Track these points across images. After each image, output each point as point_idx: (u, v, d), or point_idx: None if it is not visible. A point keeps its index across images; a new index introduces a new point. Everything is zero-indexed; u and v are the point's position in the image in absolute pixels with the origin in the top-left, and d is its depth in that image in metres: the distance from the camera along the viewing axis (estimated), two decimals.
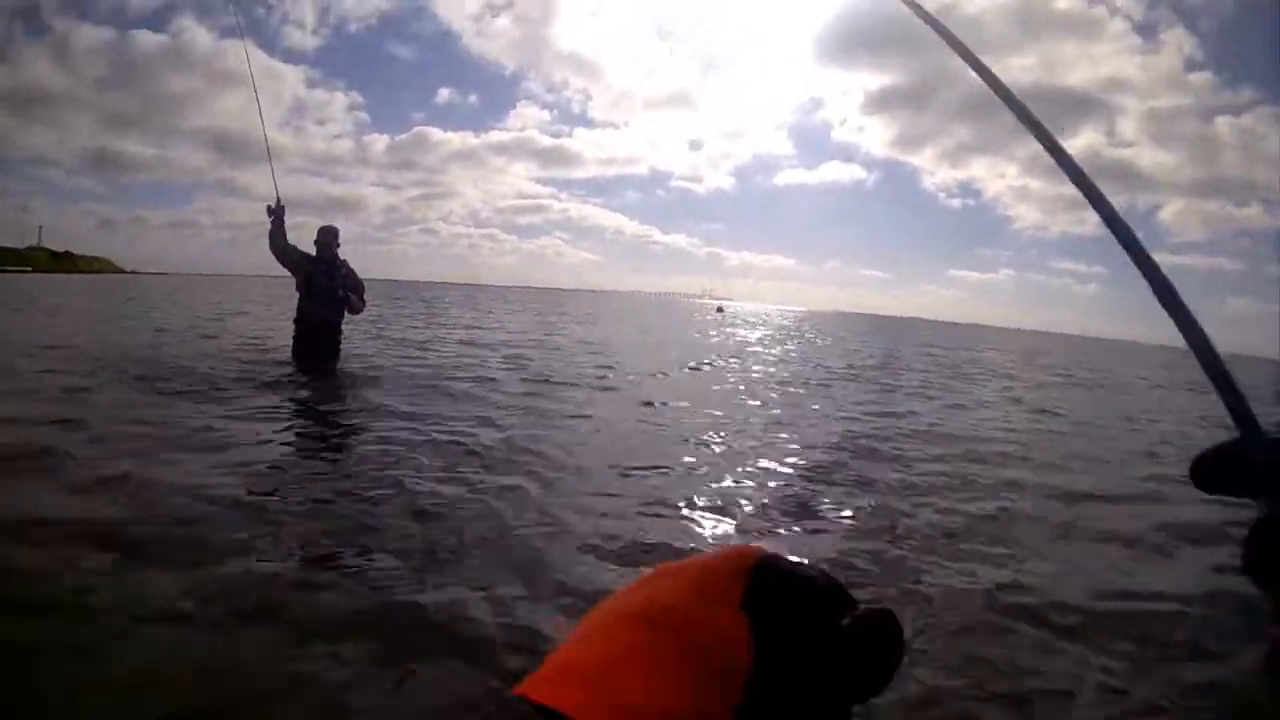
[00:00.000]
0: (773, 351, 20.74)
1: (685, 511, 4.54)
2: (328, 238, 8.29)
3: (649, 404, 8.50)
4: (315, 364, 8.41)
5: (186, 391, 6.92)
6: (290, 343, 8.75)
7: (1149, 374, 26.46)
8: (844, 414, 9.00)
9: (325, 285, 8.19)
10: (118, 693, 2.19)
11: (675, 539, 4.04)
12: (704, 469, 5.63)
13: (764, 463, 6.00)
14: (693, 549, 3.88)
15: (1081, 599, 3.51)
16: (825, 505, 4.88)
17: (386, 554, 3.46)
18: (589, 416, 7.50)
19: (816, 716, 0.50)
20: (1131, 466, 7.16)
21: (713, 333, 29.81)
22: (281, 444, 5.41)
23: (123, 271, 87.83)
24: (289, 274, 8.25)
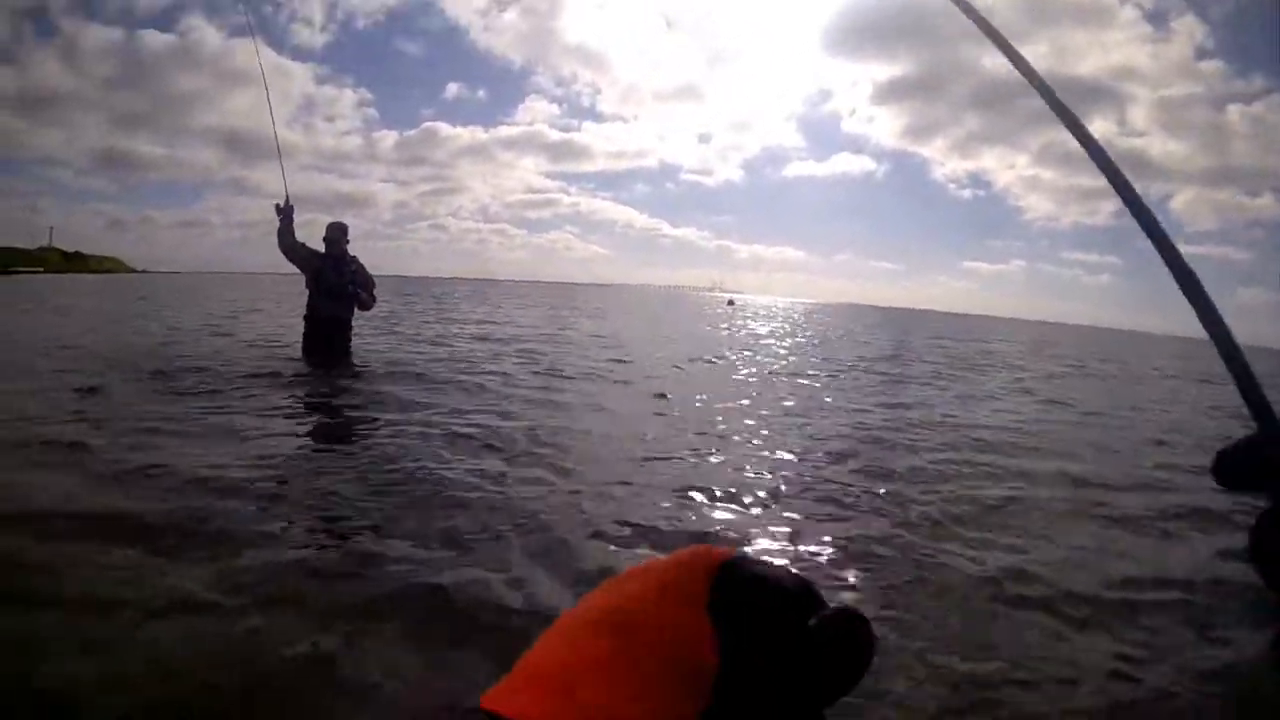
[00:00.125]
0: (784, 344, 20.70)
1: (701, 498, 4.60)
2: (336, 234, 8.27)
3: (662, 396, 8.52)
4: (326, 360, 8.40)
5: (200, 388, 6.98)
6: (301, 340, 8.76)
7: (1161, 364, 26.41)
8: (856, 405, 9.01)
9: (334, 281, 8.19)
10: (138, 678, 2.23)
11: (691, 523, 4.12)
12: (718, 458, 5.69)
13: (778, 452, 6.05)
14: (708, 532, 3.96)
15: (1090, 585, 3.52)
16: (837, 491, 4.92)
17: (405, 540, 3.52)
18: (603, 408, 7.58)
19: (785, 717, 0.51)
20: (1142, 455, 7.14)
21: (724, 326, 29.74)
22: (295, 437, 5.49)
23: (134, 271, 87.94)
24: (299, 271, 8.28)
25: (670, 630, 0.50)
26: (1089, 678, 2.67)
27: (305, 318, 8.52)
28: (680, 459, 5.54)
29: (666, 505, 4.40)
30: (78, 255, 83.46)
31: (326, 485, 4.33)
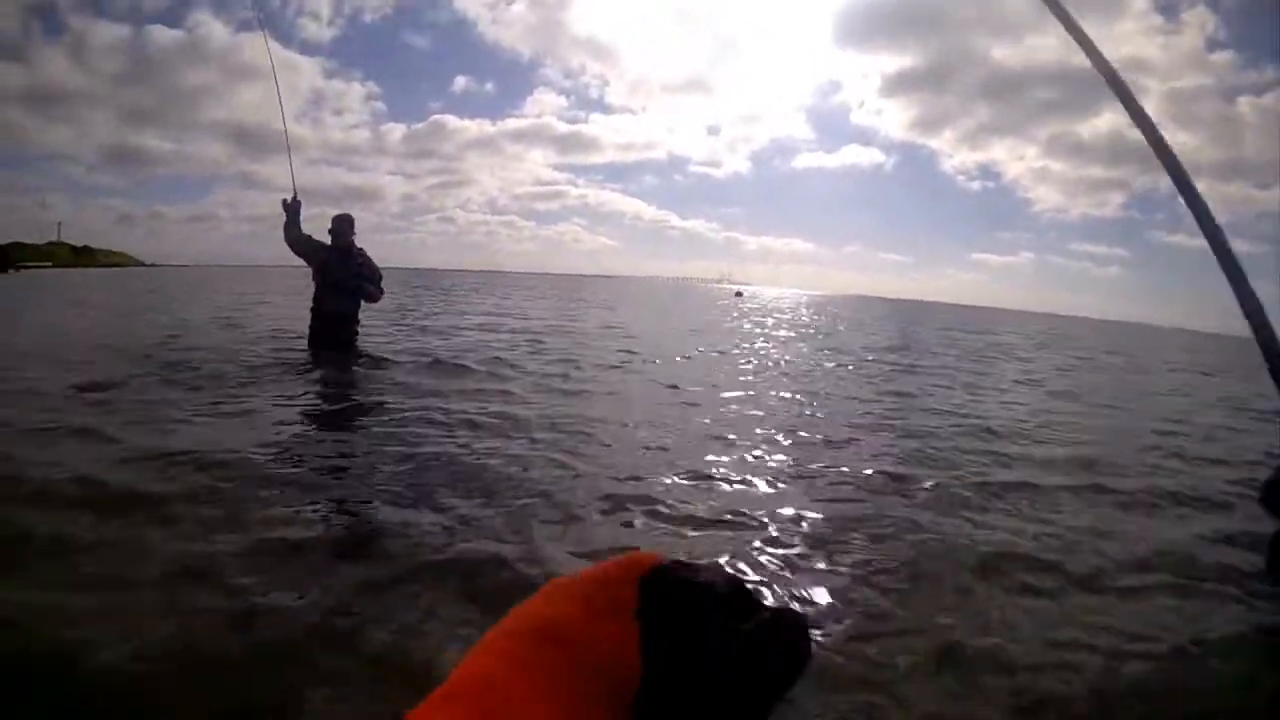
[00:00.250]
0: (793, 334, 20.69)
1: (712, 480, 4.69)
2: (342, 226, 8.24)
3: (674, 386, 8.52)
4: (332, 352, 8.35)
5: (209, 379, 6.99)
6: (307, 333, 8.71)
7: (1170, 358, 26.47)
8: (864, 395, 9.04)
9: (340, 274, 8.18)
10: (153, 646, 2.27)
11: (702, 501, 4.21)
12: (727, 443, 5.74)
13: (787, 438, 6.10)
14: (720, 512, 4.01)
15: (1088, 564, 3.61)
16: (845, 474, 5.04)
17: (421, 516, 3.62)
18: (615, 396, 7.68)
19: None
20: (1148, 444, 7.13)
21: (732, 316, 29.74)
22: (305, 424, 5.54)
23: (142, 265, 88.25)
24: (307, 265, 8.27)
25: (595, 639, 0.50)
26: (1079, 651, 2.73)
27: (311, 310, 8.48)
28: (690, 445, 5.59)
29: (681, 486, 4.49)
30: (86, 250, 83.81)
31: (339, 466, 4.46)
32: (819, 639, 2.67)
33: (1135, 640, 2.83)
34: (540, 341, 12.48)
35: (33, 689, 2.08)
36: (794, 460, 5.33)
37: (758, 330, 21.48)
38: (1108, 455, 6.36)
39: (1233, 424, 9.39)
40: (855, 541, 3.70)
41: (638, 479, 4.52)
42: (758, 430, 6.32)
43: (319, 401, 6.41)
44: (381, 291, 8.54)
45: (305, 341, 8.75)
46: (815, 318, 34.74)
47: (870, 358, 14.42)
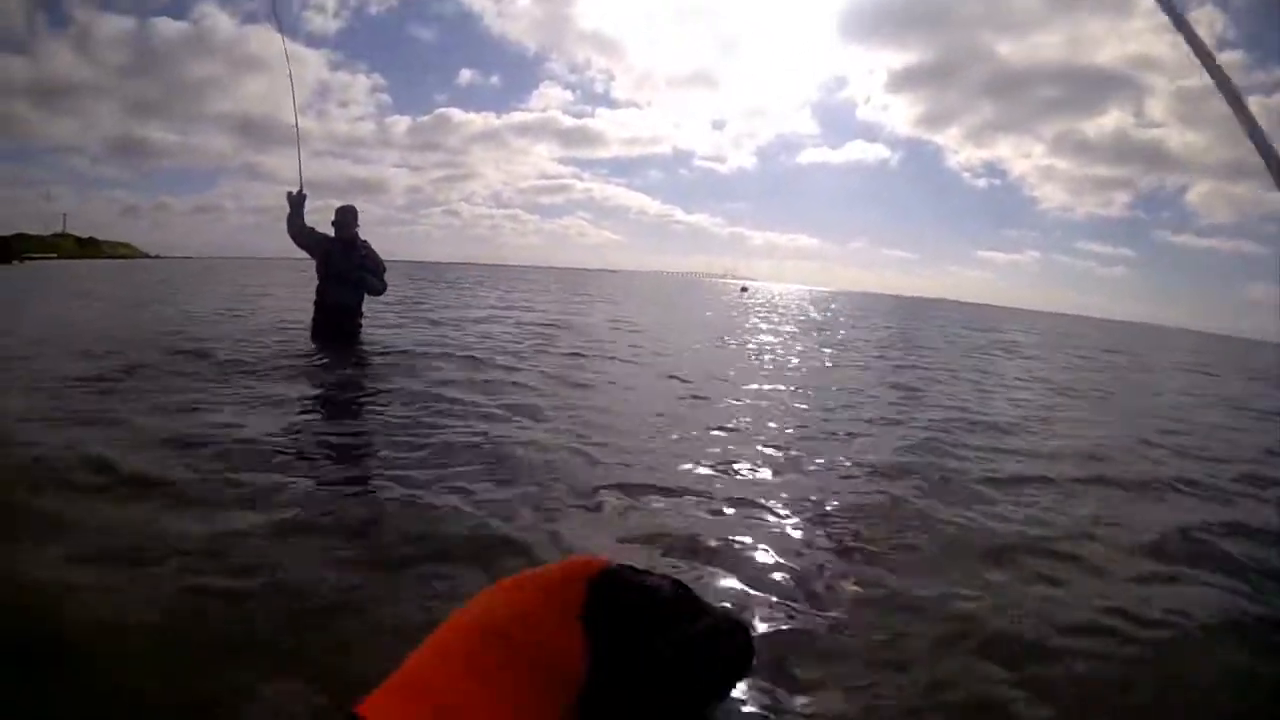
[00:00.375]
0: (799, 330, 20.67)
1: (721, 466, 4.77)
2: (346, 217, 8.22)
3: (684, 380, 8.51)
4: (335, 345, 8.32)
5: (216, 369, 6.99)
6: (310, 325, 8.70)
7: (1178, 358, 26.48)
8: (869, 390, 9.07)
9: (343, 266, 8.15)
10: (165, 620, 2.31)
11: (710, 486, 4.29)
12: (735, 434, 5.80)
13: (792, 429, 6.17)
14: (729, 495, 4.08)
15: (1084, 548, 3.72)
16: (848, 463, 5.12)
17: (433, 495, 3.70)
18: (620, 386, 7.77)
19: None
20: (1152, 440, 7.19)
21: (738, 311, 29.71)
22: (313, 413, 5.57)
23: (147, 256, 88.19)
24: (310, 256, 8.25)
25: (541, 639, 0.51)
26: (1089, 634, 2.79)
27: (315, 303, 8.47)
28: (702, 435, 5.66)
29: (694, 473, 4.58)
30: (91, 241, 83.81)
31: (351, 451, 4.56)
32: (830, 617, 2.74)
33: (1143, 625, 2.89)
34: (548, 335, 12.48)
35: (35, 669, 2.09)
36: (804, 451, 5.38)
37: (764, 325, 21.48)
38: (1112, 450, 6.43)
39: (1234, 423, 9.46)
40: (866, 527, 3.79)
41: (652, 466, 4.59)
42: (768, 422, 6.36)
43: (325, 391, 6.43)
44: (385, 284, 8.50)
45: (309, 334, 8.72)
46: (822, 314, 34.65)
47: (876, 354, 14.44)
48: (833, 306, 49.56)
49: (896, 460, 5.25)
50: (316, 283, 8.37)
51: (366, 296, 8.50)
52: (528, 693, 0.47)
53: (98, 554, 2.78)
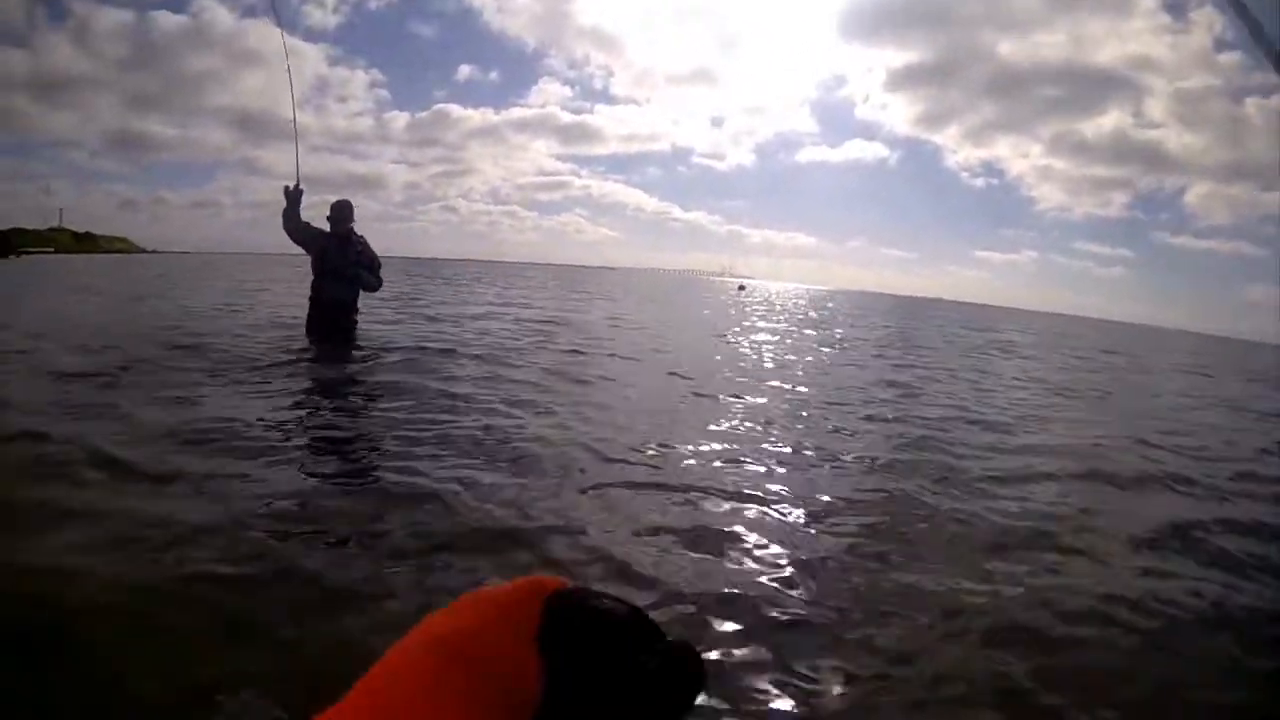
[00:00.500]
0: (798, 328, 20.72)
1: (728, 459, 4.87)
2: (342, 212, 8.10)
3: (686, 377, 8.53)
4: (330, 341, 8.22)
5: (214, 363, 6.97)
6: (305, 321, 8.59)
7: (1173, 359, 26.67)
8: (872, 388, 9.08)
9: (338, 261, 8.04)
10: (162, 603, 2.31)
11: (716, 479, 4.37)
12: (736, 429, 5.85)
13: (793, 425, 6.23)
14: (734, 489, 4.10)
15: (1100, 543, 3.80)
16: (848, 457, 5.21)
17: (447, 485, 3.70)
18: (627, 384, 7.74)
19: None
20: (1149, 439, 7.27)
21: (735, 309, 29.75)
22: (314, 407, 5.51)
23: (143, 251, 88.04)
24: (306, 253, 8.13)
25: (497, 659, 0.51)
26: (1087, 621, 2.89)
27: (310, 299, 8.36)
28: (705, 431, 5.69)
29: (700, 468, 4.64)
30: (88, 236, 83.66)
31: (347, 442, 4.59)
32: (833, 607, 2.78)
33: (1142, 615, 2.98)
34: (547, 331, 12.48)
35: (35, 655, 2.11)
36: (806, 446, 5.44)
37: (762, 323, 21.50)
38: (1110, 449, 6.51)
39: (1231, 423, 9.57)
40: (868, 520, 3.86)
41: (654, 461, 4.63)
42: (767, 419, 6.39)
43: (322, 386, 6.39)
44: (380, 280, 8.40)
45: (303, 330, 8.61)
46: (819, 312, 34.74)
47: (875, 352, 14.47)
48: (830, 305, 49.70)
49: (897, 456, 5.31)
50: (312, 279, 8.26)
51: (362, 293, 8.42)
52: (482, 714, 0.47)
53: (98, 542, 2.79)
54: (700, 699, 0.49)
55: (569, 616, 0.53)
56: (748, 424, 6.09)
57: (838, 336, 18.31)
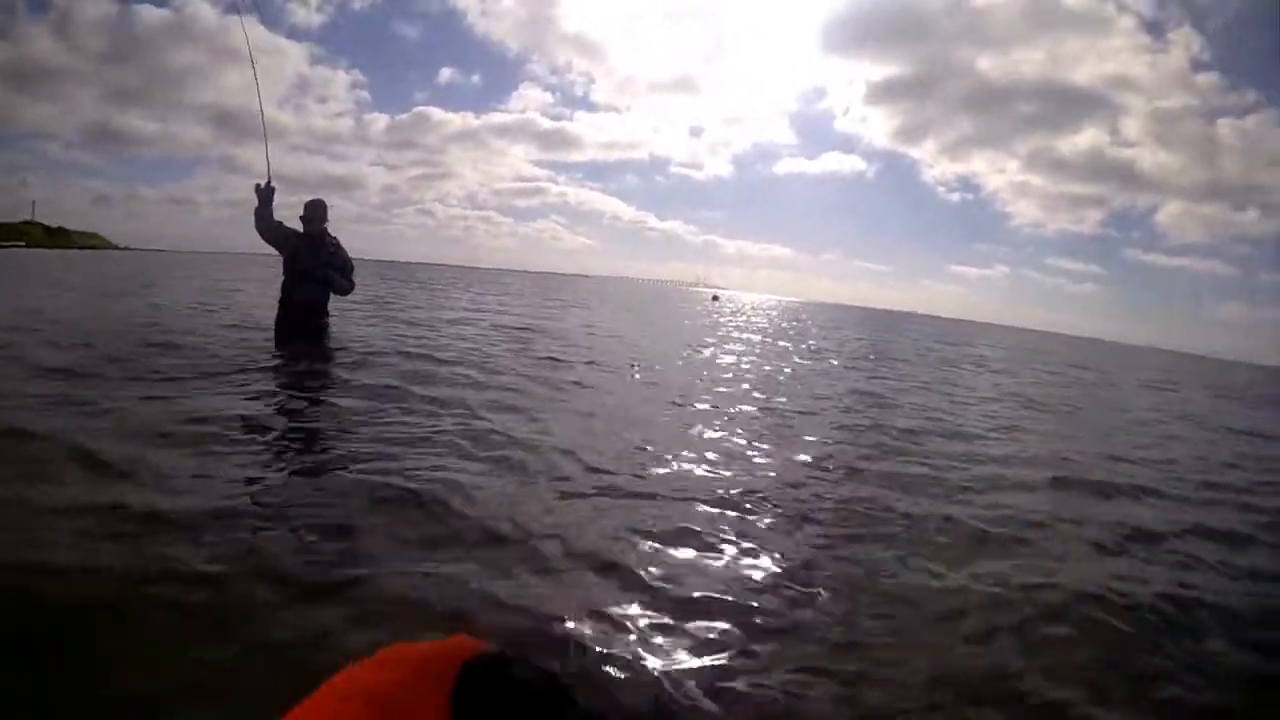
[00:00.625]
0: (774, 340, 20.82)
1: (702, 467, 4.88)
2: (316, 211, 7.89)
3: (662, 386, 8.59)
4: (300, 344, 7.95)
5: (185, 364, 6.81)
6: (274, 324, 8.31)
7: (1142, 375, 27.06)
8: (847, 399, 9.17)
9: (309, 261, 7.83)
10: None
11: (689, 485, 4.41)
12: (709, 436, 5.89)
13: (779, 436, 6.26)
14: (716, 492, 4.08)
15: (1072, 543, 4.00)
16: (834, 466, 5.28)
17: (413, 485, 3.62)
18: (606, 391, 7.77)
19: None
20: (1116, 450, 7.46)
21: (709, 319, 29.86)
22: (278, 408, 5.43)
23: (116, 248, 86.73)
24: (278, 253, 7.93)
25: (408, 715, 0.52)
26: (1065, 613, 3.08)
27: (280, 300, 8.12)
28: (675, 437, 5.72)
29: (674, 473, 4.67)
30: (61, 231, 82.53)
31: (317, 443, 4.56)
32: (819, 611, 2.85)
33: (1107, 607, 3.16)
34: (524, 338, 12.41)
35: (8, 647, 2.12)
36: (784, 454, 5.52)
37: (737, 334, 21.54)
38: (1077, 459, 6.75)
39: (1194, 436, 9.99)
40: (847, 524, 3.97)
41: (635, 472, 4.61)
42: (744, 427, 6.43)
43: (296, 387, 6.30)
44: (352, 284, 8.20)
45: (272, 333, 8.32)
46: (795, 324, 34.88)
47: (850, 365, 14.54)
48: (804, 317, 49.94)
49: (872, 465, 5.40)
50: (283, 279, 8.02)
51: (334, 295, 8.20)
52: None
53: (76, 537, 2.79)
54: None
55: (485, 681, 0.54)
56: (725, 432, 6.12)
57: (812, 348, 18.38)
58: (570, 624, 2.48)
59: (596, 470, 4.48)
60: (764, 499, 4.24)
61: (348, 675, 0.54)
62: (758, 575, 3.14)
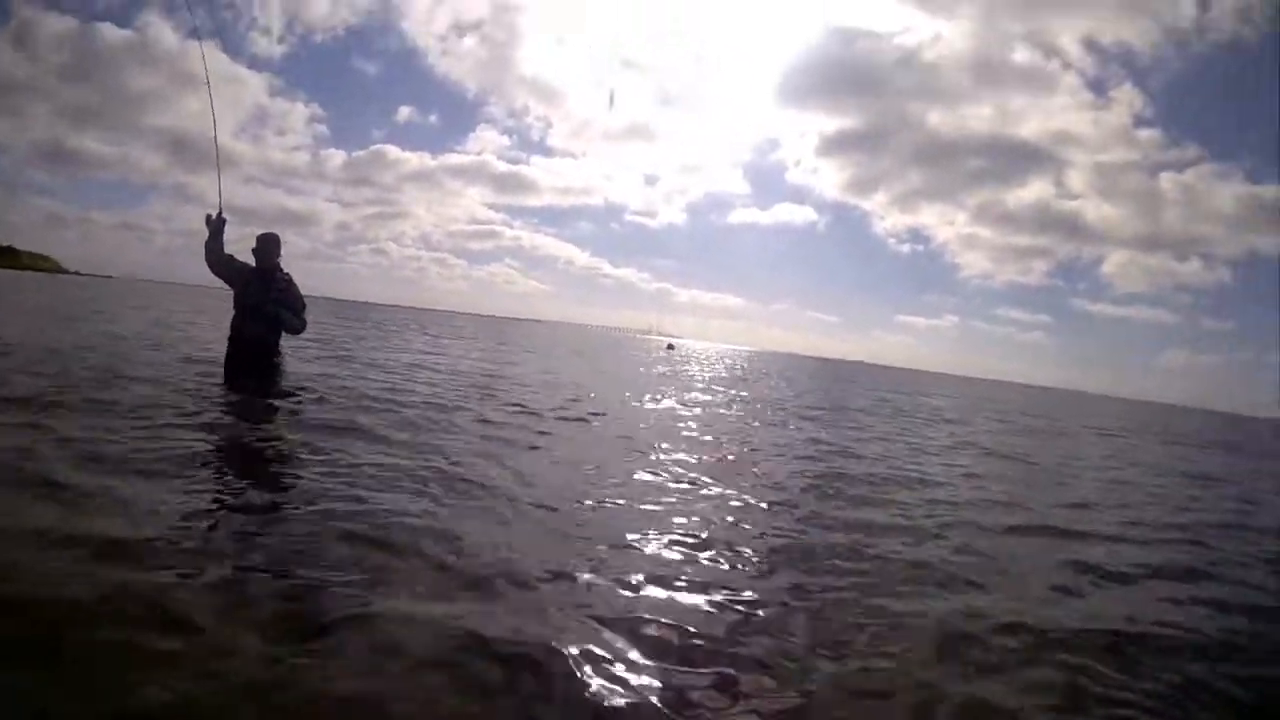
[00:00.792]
0: (729, 387, 21.03)
1: (663, 513, 4.86)
2: (268, 246, 7.68)
3: (626, 437, 8.38)
4: (249, 384, 7.51)
5: (134, 399, 6.41)
6: (224, 361, 8.06)
7: (1092, 422, 27.65)
8: (806, 449, 9.16)
9: (259, 297, 7.59)
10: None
11: (657, 527, 4.39)
12: (666, 480, 5.90)
13: (740, 485, 6.13)
14: (684, 537, 4.17)
15: (1032, 580, 3.81)
16: (799, 512, 5.35)
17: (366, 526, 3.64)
18: (566, 437, 7.65)
19: None
20: (1069, 497, 7.65)
21: (666, 367, 29.97)
22: (210, 468, 4.78)
23: (66, 272, 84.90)
24: (228, 287, 7.73)
25: None
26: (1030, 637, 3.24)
27: (229, 337, 7.87)
28: (639, 485, 5.68)
29: (639, 521, 4.59)
30: (10, 250, 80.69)
31: (272, 474, 4.55)
32: (782, 642, 2.91)
33: (1073, 643, 3.28)
34: (480, 385, 12.06)
35: None
36: (748, 502, 5.49)
37: (696, 382, 21.62)
38: (1036, 502, 7.04)
39: (1146, 481, 10.37)
40: (814, 567, 4.03)
41: (600, 513, 4.67)
42: (707, 475, 6.34)
43: (249, 422, 6.02)
44: (304, 322, 7.99)
45: (220, 373, 8.04)
46: (750, 374, 35.09)
47: (807, 415, 14.59)
48: (759, 366, 50.35)
49: (841, 513, 5.43)
50: (233, 314, 7.77)
51: (285, 334, 7.99)
52: None
53: (35, 560, 2.77)
54: None
55: None
56: (691, 476, 6.14)
57: (771, 400, 18.42)
58: (541, 660, 2.47)
59: (560, 511, 4.52)
60: (729, 544, 4.23)
61: None
62: (727, 615, 3.13)
